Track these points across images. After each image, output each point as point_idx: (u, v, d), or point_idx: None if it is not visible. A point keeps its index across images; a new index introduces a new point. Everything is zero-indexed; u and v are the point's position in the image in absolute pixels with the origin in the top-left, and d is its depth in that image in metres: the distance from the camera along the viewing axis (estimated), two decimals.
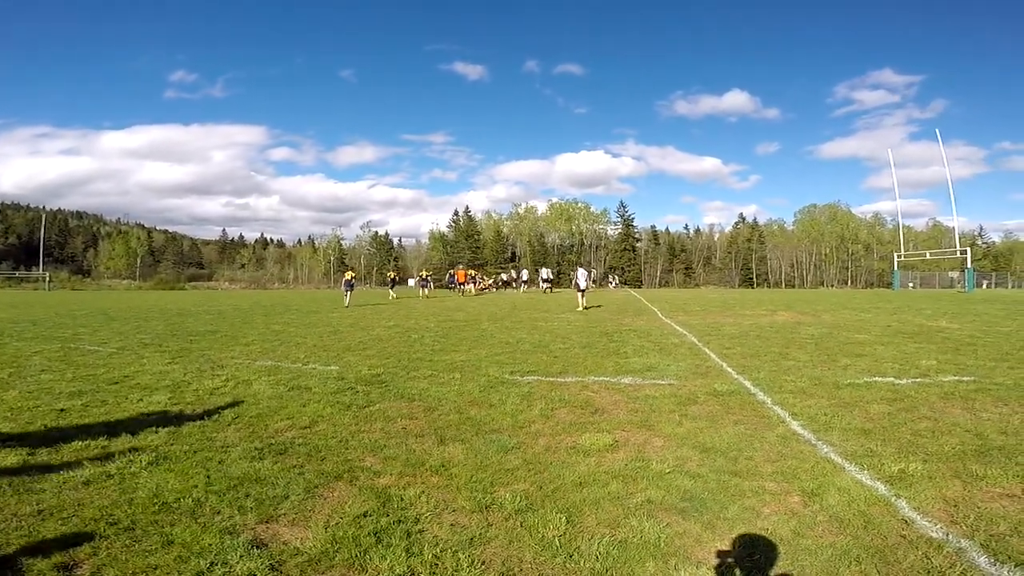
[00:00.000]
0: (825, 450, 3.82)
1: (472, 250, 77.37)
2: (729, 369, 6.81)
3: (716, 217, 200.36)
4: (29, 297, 35.55)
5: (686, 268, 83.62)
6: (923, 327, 11.64)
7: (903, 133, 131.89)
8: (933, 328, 11.42)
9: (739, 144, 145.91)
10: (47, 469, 3.44)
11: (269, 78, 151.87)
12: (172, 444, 3.92)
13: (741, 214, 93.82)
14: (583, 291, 19.17)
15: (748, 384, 5.93)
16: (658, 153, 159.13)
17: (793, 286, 78.48)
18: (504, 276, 52.28)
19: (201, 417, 4.64)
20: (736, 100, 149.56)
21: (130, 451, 3.75)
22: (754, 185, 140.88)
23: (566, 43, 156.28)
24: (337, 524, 2.73)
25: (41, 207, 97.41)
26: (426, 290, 32.20)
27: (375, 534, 2.63)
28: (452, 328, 12.07)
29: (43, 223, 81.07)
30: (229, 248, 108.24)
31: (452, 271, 45.95)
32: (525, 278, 46.42)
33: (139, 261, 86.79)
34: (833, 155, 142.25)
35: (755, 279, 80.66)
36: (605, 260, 79.84)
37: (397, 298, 22.71)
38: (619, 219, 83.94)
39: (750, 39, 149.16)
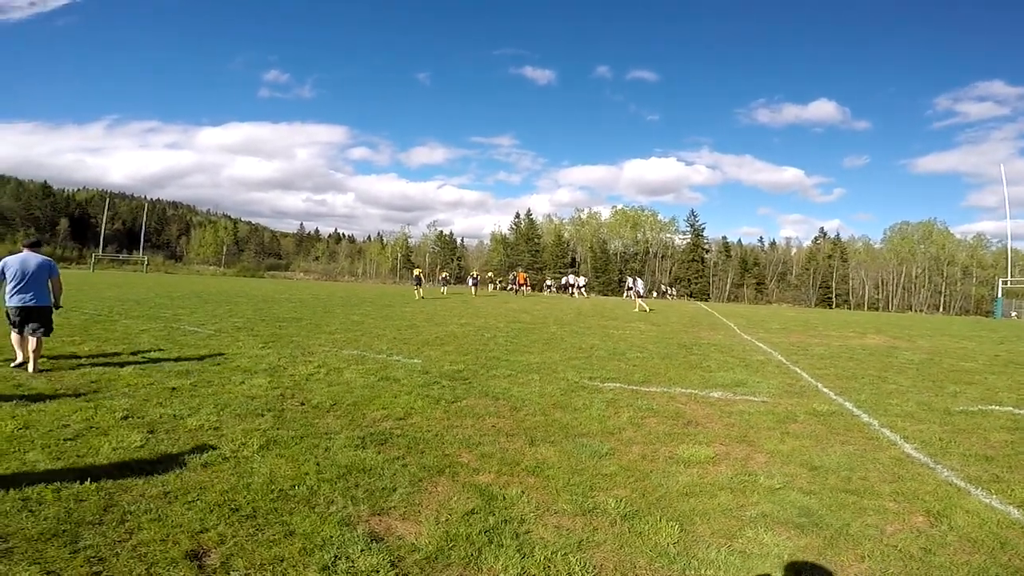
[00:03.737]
0: (945, 474, 3.64)
1: (531, 253, 77.32)
2: (825, 390, 6.40)
3: (794, 231, 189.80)
4: (130, 278, 38.83)
5: (758, 283, 79.79)
6: None
7: (1012, 148, 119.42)
8: None
9: (824, 155, 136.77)
10: (167, 449, 3.51)
11: (352, 79, 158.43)
12: (279, 428, 4.07)
13: (822, 228, 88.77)
14: (642, 295, 23.30)
15: (849, 406, 5.56)
16: (735, 162, 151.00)
17: (877, 308, 73.26)
18: (564, 279, 51.80)
19: (301, 403, 4.85)
20: (823, 109, 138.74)
21: (241, 433, 3.88)
22: (838, 199, 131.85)
23: (640, 49, 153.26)
24: (447, 520, 2.74)
25: (143, 197, 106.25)
26: (444, 289, 33.07)
27: (486, 533, 2.63)
28: (521, 330, 12.09)
29: (145, 212, 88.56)
30: (306, 241, 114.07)
31: (514, 273, 46.35)
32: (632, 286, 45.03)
33: (224, 249, 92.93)
34: (929, 170, 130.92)
35: (834, 299, 75.96)
36: (671, 270, 77.69)
37: (423, 297, 24.72)
38: (688, 228, 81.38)
39: (840, 46, 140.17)
